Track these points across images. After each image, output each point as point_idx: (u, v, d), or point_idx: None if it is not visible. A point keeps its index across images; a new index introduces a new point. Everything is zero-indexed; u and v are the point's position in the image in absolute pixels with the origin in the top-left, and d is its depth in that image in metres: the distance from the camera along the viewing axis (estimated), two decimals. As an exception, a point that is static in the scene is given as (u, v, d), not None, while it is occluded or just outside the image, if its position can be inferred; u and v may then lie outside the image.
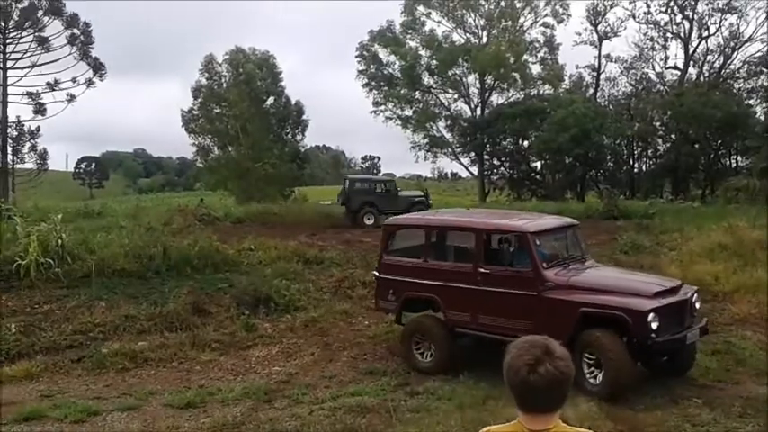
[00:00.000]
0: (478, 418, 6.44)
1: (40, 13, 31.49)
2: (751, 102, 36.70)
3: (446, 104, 42.85)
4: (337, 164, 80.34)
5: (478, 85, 41.52)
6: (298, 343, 10.55)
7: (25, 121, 33.16)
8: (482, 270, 8.72)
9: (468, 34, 41.77)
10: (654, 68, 39.76)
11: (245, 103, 38.92)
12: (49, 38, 31.44)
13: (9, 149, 32.86)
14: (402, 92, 41.61)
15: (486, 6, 41.10)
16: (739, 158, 35.66)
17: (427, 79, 42.01)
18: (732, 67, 37.79)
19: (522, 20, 41.22)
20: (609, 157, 37.74)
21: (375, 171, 72.44)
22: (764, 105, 35.84)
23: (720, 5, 36.26)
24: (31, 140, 33.81)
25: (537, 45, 41.39)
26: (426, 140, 42.10)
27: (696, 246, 15.06)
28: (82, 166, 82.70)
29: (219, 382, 9.04)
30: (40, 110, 32.20)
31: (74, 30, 31.99)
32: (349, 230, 20.28)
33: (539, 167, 40.70)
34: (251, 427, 7.24)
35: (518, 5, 41.04)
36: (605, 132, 34.96)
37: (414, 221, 10.53)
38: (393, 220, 10.83)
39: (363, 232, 19.25)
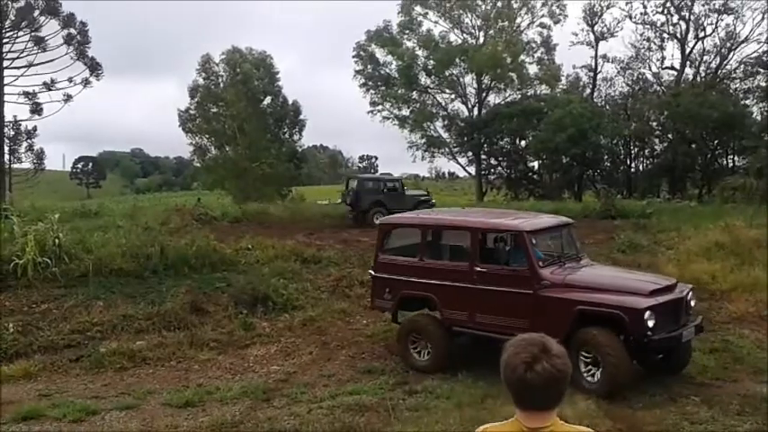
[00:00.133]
0: (477, 416, 6.47)
1: (36, 13, 31.34)
2: (747, 102, 36.80)
3: (443, 104, 42.98)
4: (334, 163, 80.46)
5: (475, 85, 41.60)
6: (296, 342, 10.55)
7: (22, 120, 33.24)
8: (478, 269, 8.73)
9: (465, 34, 41.92)
10: (650, 69, 39.91)
11: (242, 103, 38.94)
12: (46, 37, 31.32)
13: (6, 149, 32.74)
14: (399, 92, 41.65)
15: (483, 7, 41.17)
16: (736, 158, 35.68)
17: (424, 79, 42.07)
18: (728, 67, 37.92)
19: (518, 20, 41.35)
20: (606, 157, 37.71)
21: (373, 171, 72.39)
22: (761, 105, 35.91)
23: (717, 6, 36.38)
24: (28, 140, 33.96)
25: (534, 45, 41.54)
26: (423, 140, 42.16)
27: (693, 245, 15.10)
28: (79, 165, 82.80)
29: (218, 381, 9.03)
30: (36, 110, 32.11)
31: (70, 29, 31.89)
32: (346, 230, 20.31)
33: (536, 167, 40.72)
34: (249, 426, 7.23)
35: (515, 6, 41.12)
36: (602, 132, 34.97)
37: (409, 221, 10.48)
38: (388, 219, 10.84)
39: (361, 231, 19.24)
